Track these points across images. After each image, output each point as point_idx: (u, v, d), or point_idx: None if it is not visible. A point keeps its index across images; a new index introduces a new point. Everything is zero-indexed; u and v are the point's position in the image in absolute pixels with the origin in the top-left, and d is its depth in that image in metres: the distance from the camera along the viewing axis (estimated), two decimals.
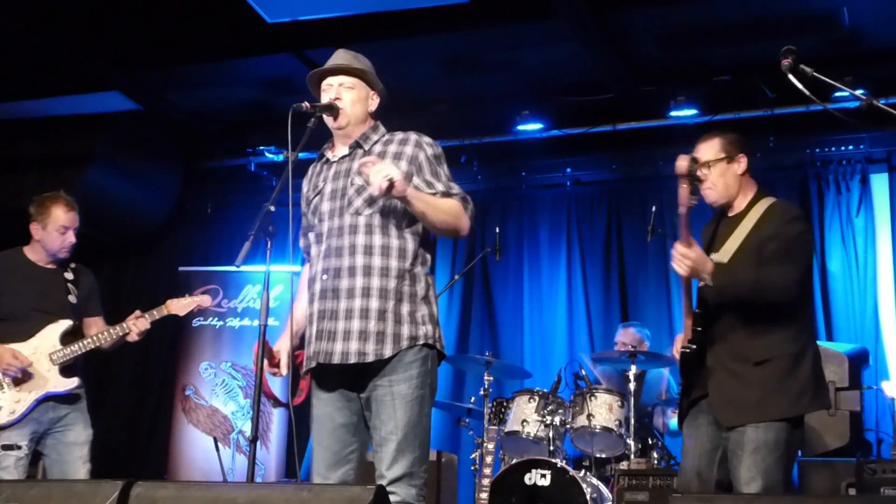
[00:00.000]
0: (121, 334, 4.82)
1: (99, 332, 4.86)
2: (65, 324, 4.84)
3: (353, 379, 3.40)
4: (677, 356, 3.88)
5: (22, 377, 4.71)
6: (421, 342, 3.37)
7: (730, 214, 3.90)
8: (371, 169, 3.23)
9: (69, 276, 4.97)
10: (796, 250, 3.72)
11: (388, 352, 3.32)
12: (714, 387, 3.72)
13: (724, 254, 3.78)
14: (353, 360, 3.32)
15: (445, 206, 3.41)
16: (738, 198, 3.88)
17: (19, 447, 4.65)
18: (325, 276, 3.42)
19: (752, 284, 3.63)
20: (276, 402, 3.70)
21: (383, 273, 3.37)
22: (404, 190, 3.25)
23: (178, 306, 4.94)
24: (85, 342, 4.83)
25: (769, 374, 3.63)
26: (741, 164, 3.85)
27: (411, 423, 3.31)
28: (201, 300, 5.08)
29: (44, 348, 4.80)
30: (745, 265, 3.69)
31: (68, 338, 4.84)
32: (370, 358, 3.32)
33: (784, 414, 3.61)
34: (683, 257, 3.60)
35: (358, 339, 3.32)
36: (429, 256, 3.52)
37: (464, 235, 3.52)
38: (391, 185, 3.18)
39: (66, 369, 4.81)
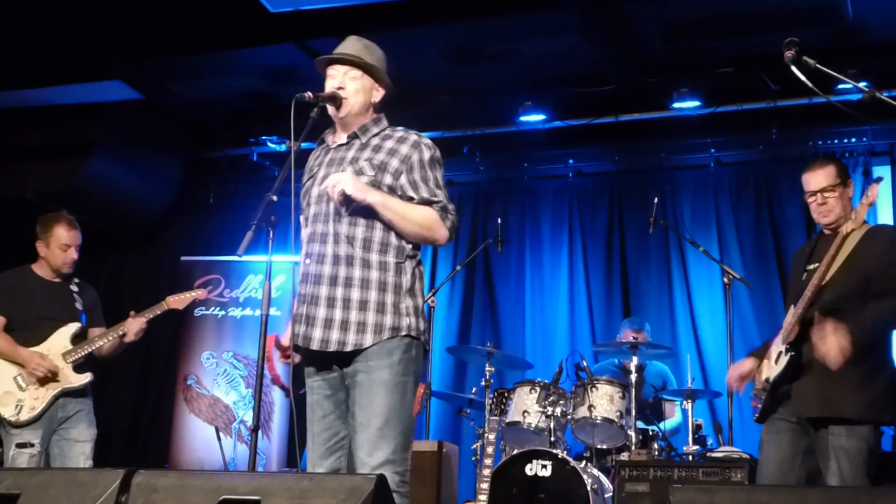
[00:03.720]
0: (118, 335, 5.06)
1: (100, 335, 5.13)
2: (74, 326, 5.11)
3: (337, 364, 3.39)
4: (734, 385, 4.20)
5: (44, 377, 4.95)
6: (403, 333, 3.36)
7: (829, 232, 4.08)
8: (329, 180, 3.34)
9: (74, 288, 5.25)
10: None
11: (367, 342, 3.32)
12: (799, 382, 3.91)
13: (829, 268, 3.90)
14: (332, 348, 3.34)
15: (418, 217, 3.41)
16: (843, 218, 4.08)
17: (32, 444, 4.86)
18: (308, 261, 3.45)
19: (872, 324, 3.85)
20: (286, 391, 3.71)
21: (365, 264, 3.37)
22: (363, 198, 3.32)
23: (177, 301, 5.20)
24: (94, 341, 5.10)
25: (849, 375, 3.80)
26: (851, 187, 4.08)
27: (393, 410, 3.29)
28: (198, 294, 5.34)
29: (56, 349, 5.06)
30: (856, 290, 3.86)
31: (78, 339, 5.11)
32: (349, 347, 3.32)
33: (860, 416, 3.81)
34: (832, 334, 3.73)
35: (339, 329, 3.33)
36: (417, 250, 3.50)
37: (441, 245, 3.54)
38: (346, 193, 3.28)
39: (78, 367, 5.07)
